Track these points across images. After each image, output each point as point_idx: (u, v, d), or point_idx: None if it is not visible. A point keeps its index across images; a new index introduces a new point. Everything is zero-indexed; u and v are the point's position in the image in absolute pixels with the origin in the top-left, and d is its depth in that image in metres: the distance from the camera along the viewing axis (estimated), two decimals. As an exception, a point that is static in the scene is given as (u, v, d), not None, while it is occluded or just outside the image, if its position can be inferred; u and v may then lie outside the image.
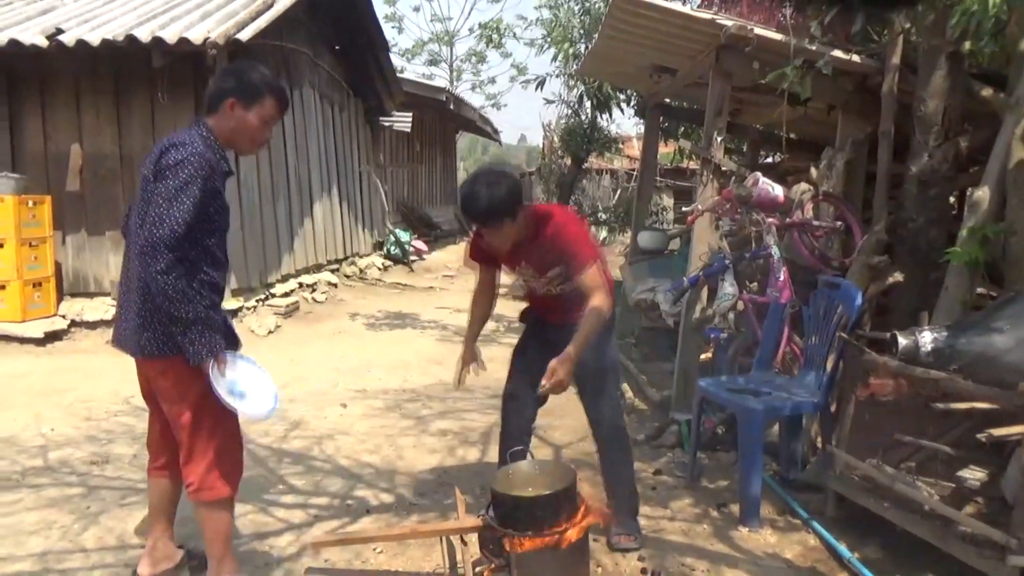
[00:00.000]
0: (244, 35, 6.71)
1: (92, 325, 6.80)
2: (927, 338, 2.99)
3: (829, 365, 3.44)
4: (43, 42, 6.58)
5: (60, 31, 6.71)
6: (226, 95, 2.44)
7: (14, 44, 6.57)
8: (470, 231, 3.06)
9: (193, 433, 2.44)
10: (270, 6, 7.46)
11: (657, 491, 3.64)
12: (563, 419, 4.45)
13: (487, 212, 2.75)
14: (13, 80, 7.16)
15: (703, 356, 4.84)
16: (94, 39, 6.51)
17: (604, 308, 2.76)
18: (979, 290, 3.77)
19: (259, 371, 2.61)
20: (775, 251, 4.21)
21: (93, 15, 7.40)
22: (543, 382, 2.68)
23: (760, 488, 3.26)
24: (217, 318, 2.42)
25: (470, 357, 3.21)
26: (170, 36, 6.42)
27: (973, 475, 2.82)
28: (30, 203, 6.68)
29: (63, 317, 6.81)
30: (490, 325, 7.82)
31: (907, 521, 2.82)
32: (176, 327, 2.30)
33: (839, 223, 4.62)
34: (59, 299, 7.02)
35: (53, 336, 6.54)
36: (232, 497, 2.54)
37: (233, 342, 2.60)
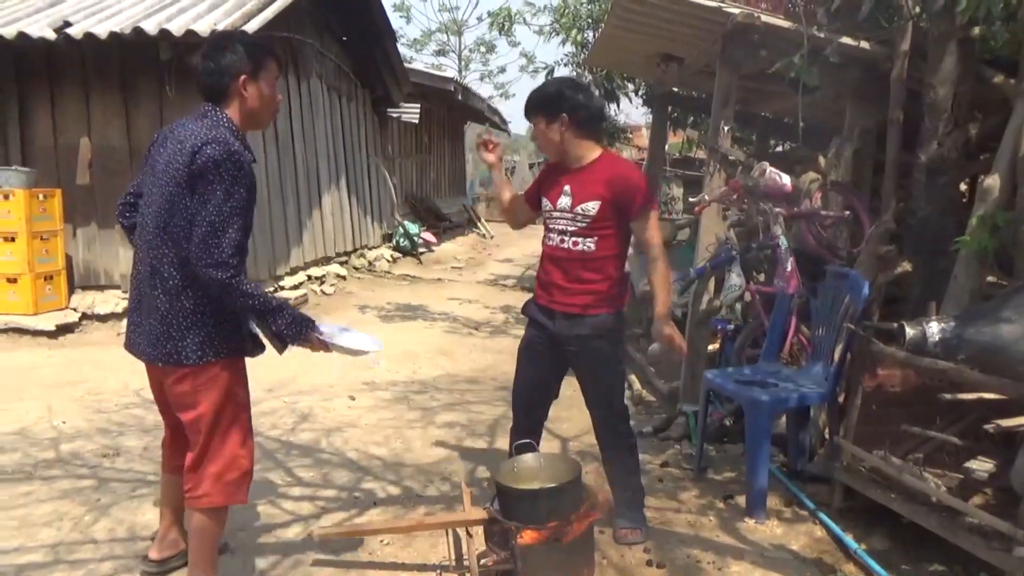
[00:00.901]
0: (251, 26, 6.70)
1: (103, 318, 6.85)
2: (935, 328, 2.97)
3: (837, 356, 3.43)
4: (51, 35, 6.60)
5: (68, 24, 6.73)
6: (232, 74, 2.35)
7: (23, 37, 6.59)
8: None
9: (205, 440, 2.41)
10: (276, -2, 7.45)
11: (664, 483, 3.64)
12: (570, 411, 4.45)
13: (528, 103, 2.92)
14: (22, 74, 7.19)
15: (710, 347, 4.83)
16: (102, 32, 6.53)
17: (666, 261, 2.89)
18: (988, 279, 3.74)
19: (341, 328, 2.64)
20: (782, 241, 4.18)
21: (101, 7, 7.41)
22: (660, 348, 2.83)
23: (767, 480, 3.25)
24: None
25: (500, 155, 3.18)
26: (177, 28, 6.42)
27: (981, 466, 2.81)
28: (40, 196, 6.72)
29: (74, 310, 6.86)
30: (500, 316, 7.89)
31: (914, 512, 2.81)
32: (265, 320, 2.36)
33: (847, 212, 4.58)
34: (70, 292, 7.07)
35: (65, 329, 6.59)
36: (227, 508, 2.51)
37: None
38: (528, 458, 2.83)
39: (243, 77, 2.37)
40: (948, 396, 2.95)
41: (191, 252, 2.23)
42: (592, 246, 2.83)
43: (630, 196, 2.80)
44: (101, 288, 7.23)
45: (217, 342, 2.37)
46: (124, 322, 6.78)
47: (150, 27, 6.45)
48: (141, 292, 2.41)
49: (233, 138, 2.32)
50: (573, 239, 2.85)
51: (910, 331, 2.97)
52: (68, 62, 7.10)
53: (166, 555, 2.72)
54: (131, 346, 2.49)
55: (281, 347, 2.45)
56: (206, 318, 2.34)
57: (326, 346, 2.47)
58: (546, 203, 2.96)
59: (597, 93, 9.56)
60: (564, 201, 2.87)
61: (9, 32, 6.61)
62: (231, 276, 2.23)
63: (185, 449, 2.50)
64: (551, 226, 2.93)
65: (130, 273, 2.51)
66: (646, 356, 2.69)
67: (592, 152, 2.89)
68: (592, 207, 2.81)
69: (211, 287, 2.26)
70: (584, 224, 2.82)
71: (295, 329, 2.40)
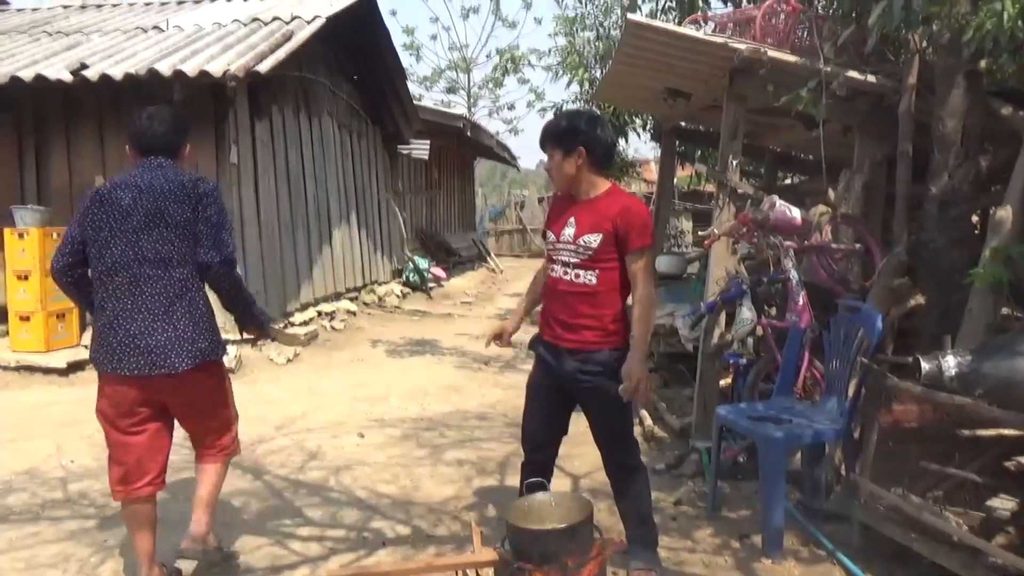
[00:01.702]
0: (263, 67, 6.81)
1: (114, 355, 6.85)
2: (951, 362, 2.93)
3: (851, 391, 3.38)
4: (68, 76, 6.73)
5: (85, 66, 6.87)
6: (184, 139, 3.01)
7: (40, 79, 6.73)
8: None
9: (228, 413, 3.04)
10: (289, 38, 7.58)
11: (677, 521, 3.57)
12: (581, 447, 4.38)
13: (544, 134, 2.93)
14: (39, 114, 7.33)
15: (722, 382, 4.77)
16: (117, 73, 6.65)
17: (651, 299, 2.83)
18: (1004, 312, 3.69)
19: None
20: (793, 275, 4.15)
21: (117, 50, 7.56)
22: (625, 387, 2.70)
23: (783, 518, 3.19)
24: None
25: (511, 327, 3.22)
26: (191, 69, 6.54)
27: (1003, 504, 2.74)
28: (55, 235, 6.77)
29: (86, 347, 6.86)
30: (509, 351, 7.81)
31: (935, 552, 2.74)
32: (249, 307, 3.06)
33: (858, 245, 4.56)
34: (82, 329, 7.09)
35: (76, 366, 6.60)
36: None
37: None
38: (539, 497, 2.78)
39: (188, 146, 3.03)
40: (967, 432, 2.89)
41: (208, 256, 2.76)
42: (594, 279, 2.81)
43: (631, 230, 2.78)
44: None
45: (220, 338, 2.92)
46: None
47: (164, 69, 6.57)
48: (155, 313, 2.70)
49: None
50: (575, 271, 2.84)
51: (926, 365, 2.93)
52: (84, 103, 7.23)
53: None
54: (151, 366, 2.70)
55: (261, 333, 3.30)
56: (214, 319, 2.88)
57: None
58: (550, 235, 2.96)
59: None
60: (567, 232, 2.86)
61: (27, 74, 6.75)
62: (234, 273, 2.90)
63: (163, 456, 2.89)
64: (554, 257, 2.93)
65: (111, 306, 2.73)
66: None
67: (601, 186, 2.90)
68: (594, 239, 2.79)
69: (224, 281, 2.87)
70: (586, 256, 2.81)
71: (265, 315, 3.22)
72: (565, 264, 2.87)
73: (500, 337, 3.23)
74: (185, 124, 3.00)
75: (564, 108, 9.71)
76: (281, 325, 7.82)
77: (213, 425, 2.97)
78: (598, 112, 2.94)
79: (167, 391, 2.79)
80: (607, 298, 2.83)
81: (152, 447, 2.84)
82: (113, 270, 2.71)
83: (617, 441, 2.97)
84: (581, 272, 2.83)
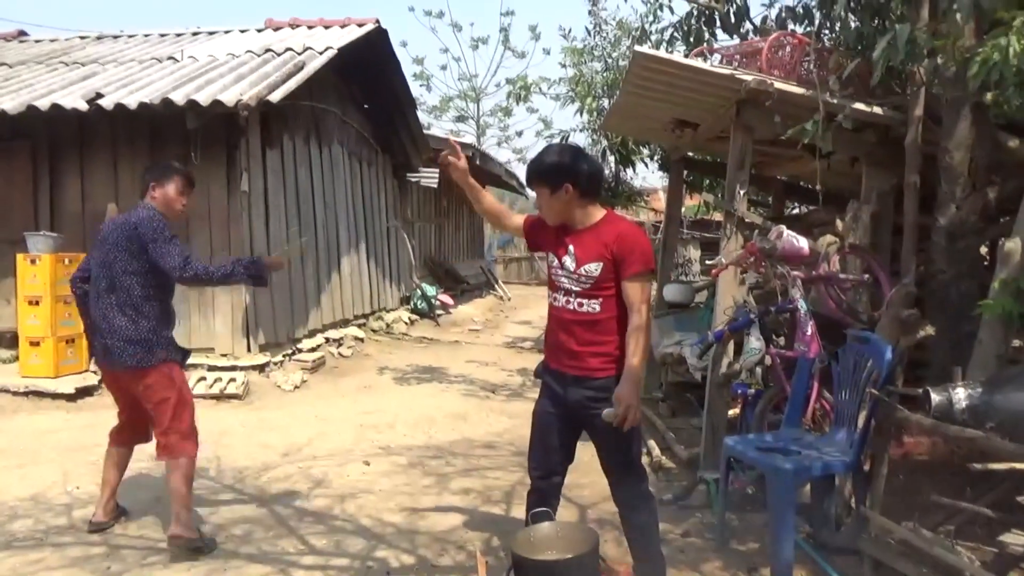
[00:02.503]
0: (275, 96, 6.91)
1: (122, 381, 6.88)
2: (961, 394, 2.91)
3: (860, 422, 3.35)
4: (83, 106, 6.84)
5: (100, 95, 6.98)
6: (145, 187, 3.65)
7: (56, 108, 6.84)
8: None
9: (169, 413, 3.57)
10: (301, 68, 7.70)
11: (686, 553, 3.53)
12: (588, 476, 4.35)
13: (529, 172, 2.92)
14: (55, 142, 7.43)
15: (731, 412, 4.74)
16: (132, 102, 6.75)
17: (647, 326, 2.80)
18: (1014, 343, 3.67)
19: None
20: (802, 305, 4.15)
21: (132, 80, 7.69)
22: (614, 413, 2.66)
23: (792, 551, 3.14)
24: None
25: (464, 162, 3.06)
26: (204, 99, 6.63)
27: (1016, 539, 2.70)
28: (66, 261, 6.84)
29: (94, 373, 6.90)
30: (517, 379, 7.85)
31: (948, 588, 2.69)
32: (231, 280, 3.74)
33: (866, 276, 4.55)
34: (90, 355, 7.12)
35: (84, 392, 6.62)
36: (193, 456, 3.65)
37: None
38: (545, 527, 2.76)
39: (152, 183, 3.63)
40: (978, 465, 2.86)
41: (166, 268, 3.50)
42: (597, 307, 2.82)
43: (626, 256, 2.78)
44: (121, 351, 7.28)
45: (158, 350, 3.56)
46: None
47: (178, 98, 6.67)
48: (106, 321, 3.52)
49: (153, 213, 3.56)
50: (578, 300, 2.84)
51: (936, 397, 2.91)
52: (98, 132, 7.34)
53: (108, 519, 3.78)
54: (108, 364, 3.61)
55: (262, 283, 3.80)
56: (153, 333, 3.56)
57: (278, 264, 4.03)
58: (552, 258, 2.95)
59: (612, 159, 9.73)
60: (568, 261, 2.86)
61: (44, 103, 6.86)
62: (192, 272, 3.50)
63: (133, 427, 3.83)
64: (556, 284, 2.92)
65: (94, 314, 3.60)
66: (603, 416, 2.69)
67: (596, 214, 2.89)
68: (595, 268, 2.80)
69: (187, 283, 3.63)
70: (588, 285, 2.82)
71: (255, 268, 3.68)
72: (568, 292, 2.87)
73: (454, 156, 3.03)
74: (153, 167, 3.76)
75: (572, 136, 9.79)
76: (288, 352, 7.83)
77: (157, 419, 3.63)
78: (577, 144, 2.94)
79: (121, 385, 3.73)
80: (611, 325, 2.82)
81: (129, 420, 3.84)
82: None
83: (625, 469, 2.95)
84: (584, 301, 2.83)
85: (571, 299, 2.85)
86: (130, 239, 3.48)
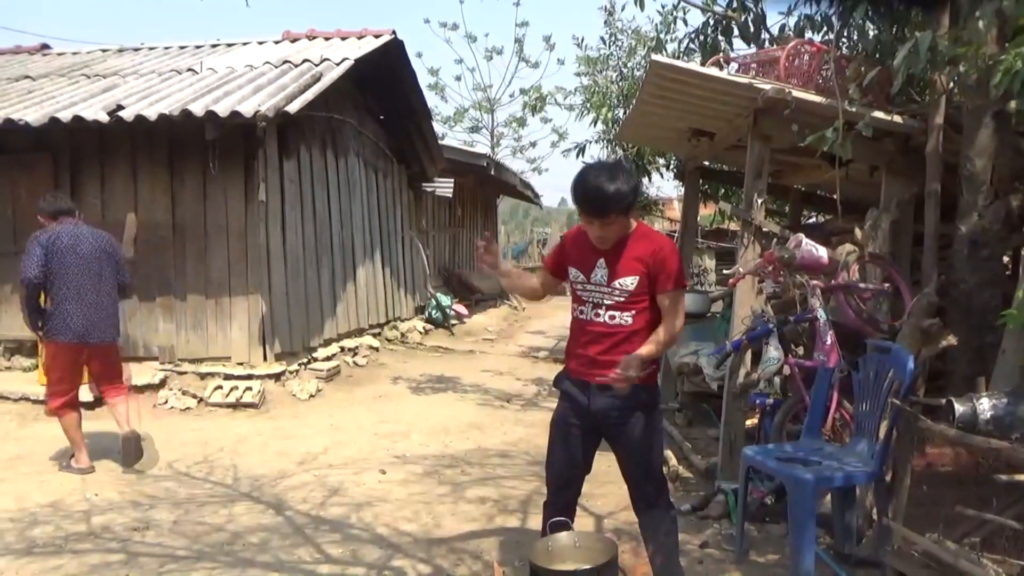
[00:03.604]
0: (292, 107, 6.95)
1: (140, 389, 6.90)
2: (986, 405, 2.87)
3: (882, 433, 3.31)
4: (104, 117, 6.91)
5: (121, 107, 7.06)
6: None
7: (77, 120, 6.92)
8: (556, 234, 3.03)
9: (120, 373, 5.26)
10: (318, 79, 7.75)
11: (704, 565, 3.49)
12: (605, 487, 4.33)
13: (594, 204, 2.73)
14: (76, 154, 7.52)
15: (749, 422, 4.70)
16: (151, 114, 6.82)
17: (679, 328, 2.87)
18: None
19: None
20: (821, 314, 4.11)
21: (152, 91, 7.77)
22: (613, 373, 2.67)
23: (813, 563, 3.10)
24: None
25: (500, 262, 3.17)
26: (223, 110, 6.69)
27: (1044, 553, 2.65)
28: (86, 270, 6.90)
29: (112, 381, 6.95)
30: (532, 388, 7.82)
31: (974, 602, 2.64)
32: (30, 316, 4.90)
33: (887, 285, 4.50)
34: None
35: (101, 401, 6.65)
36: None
37: None
38: (563, 537, 2.74)
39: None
40: (1004, 477, 2.82)
41: (124, 277, 5.22)
42: (630, 320, 2.80)
43: (661, 272, 2.79)
44: (139, 360, 7.33)
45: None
46: (160, 392, 6.87)
47: (197, 109, 6.73)
48: (100, 302, 4.94)
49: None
50: (610, 313, 2.82)
51: (960, 408, 2.87)
52: (118, 143, 7.41)
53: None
54: (98, 337, 4.93)
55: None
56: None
57: None
58: (577, 274, 2.91)
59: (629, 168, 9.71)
60: (599, 274, 2.83)
61: (66, 115, 6.95)
62: (24, 286, 4.81)
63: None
64: (584, 298, 2.89)
65: (83, 299, 4.87)
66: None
67: (627, 226, 2.87)
68: (631, 282, 2.79)
69: (127, 292, 5.40)
70: (622, 299, 2.80)
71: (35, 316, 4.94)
72: (597, 305, 2.84)
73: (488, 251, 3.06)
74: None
75: (587, 147, 9.77)
76: (304, 361, 7.87)
77: (114, 380, 5.22)
78: (616, 160, 2.87)
79: (96, 355, 5.07)
80: (641, 336, 2.81)
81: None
82: (77, 276, 4.96)
83: (646, 477, 2.93)
84: (617, 314, 2.81)
85: (601, 311, 2.83)
86: None
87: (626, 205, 2.73)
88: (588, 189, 2.73)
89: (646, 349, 2.75)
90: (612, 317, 2.81)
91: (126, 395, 5.19)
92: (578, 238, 2.98)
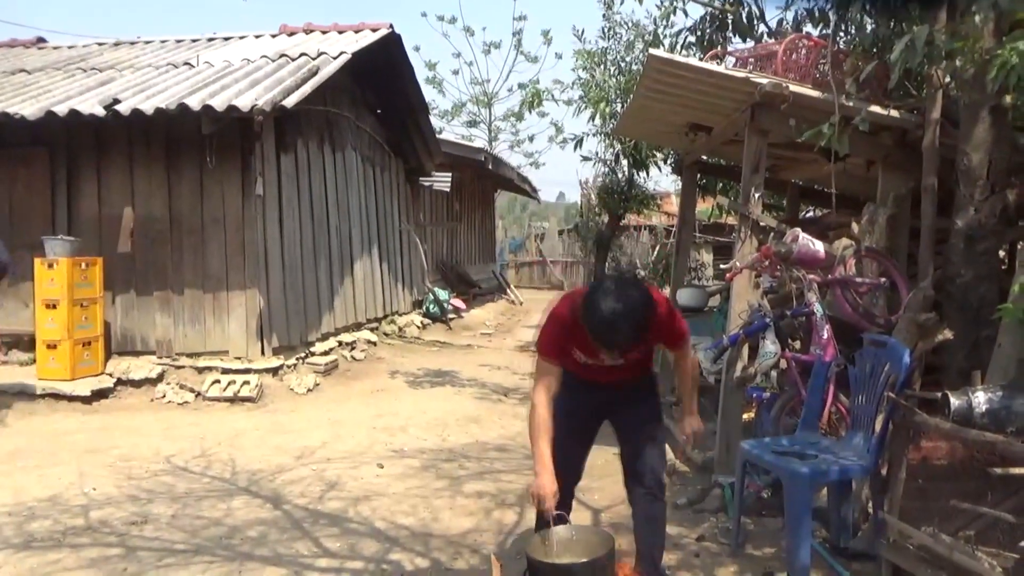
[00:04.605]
0: (289, 101, 6.94)
1: (137, 383, 6.93)
2: (981, 398, 2.87)
3: (878, 426, 3.32)
4: (100, 111, 6.89)
5: (117, 101, 7.03)
6: None
7: (74, 114, 6.90)
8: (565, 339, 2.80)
9: None
10: (315, 73, 7.73)
11: (700, 558, 3.51)
12: (601, 480, 4.35)
13: (623, 340, 2.57)
14: (72, 148, 7.50)
15: (745, 416, 4.72)
16: (148, 108, 6.80)
17: (694, 359, 3.14)
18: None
19: None
20: (818, 308, 4.12)
21: (148, 85, 7.75)
22: (685, 437, 2.99)
23: (809, 556, 3.12)
24: None
25: (553, 487, 2.66)
26: (219, 104, 6.67)
27: (1038, 545, 2.66)
28: (83, 265, 6.91)
29: (110, 375, 6.96)
30: (529, 382, 7.79)
31: (968, 594, 2.66)
32: None
33: (883, 279, 4.51)
34: (107, 357, 7.18)
35: (100, 394, 6.67)
36: None
37: None
38: (560, 531, 2.74)
39: None
40: (999, 470, 2.83)
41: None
42: (635, 361, 2.91)
43: (666, 337, 2.92)
44: (137, 354, 7.34)
45: None
46: (157, 386, 6.91)
47: (194, 103, 6.71)
48: None
49: None
50: (620, 372, 2.88)
51: (955, 401, 2.88)
52: (115, 137, 7.40)
53: None
54: None
55: None
56: None
57: None
58: (582, 357, 2.81)
59: (625, 163, 9.70)
60: (608, 357, 2.72)
61: (62, 109, 6.93)
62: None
63: None
64: (592, 366, 2.84)
65: None
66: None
67: None
68: (640, 351, 2.85)
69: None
70: (632, 360, 2.86)
71: None
72: (609, 370, 2.85)
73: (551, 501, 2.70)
74: None
75: (584, 141, 9.74)
76: (301, 355, 7.87)
77: None
78: (638, 282, 2.68)
79: None
80: (648, 362, 3.05)
81: None
82: None
83: (653, 455, 2.95)
84: (627, 368, 2.88)
85: (613, 370, 2.86)
86: None
87: (647, 330, 2.61)
88: (614, 338, 2.55)
89: (689, 410, 3.02)
90: (620, 366, 2.82)
91: None
92: (577, 332, 2.71)
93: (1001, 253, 4.68)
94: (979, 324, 3.90)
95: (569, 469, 2.99)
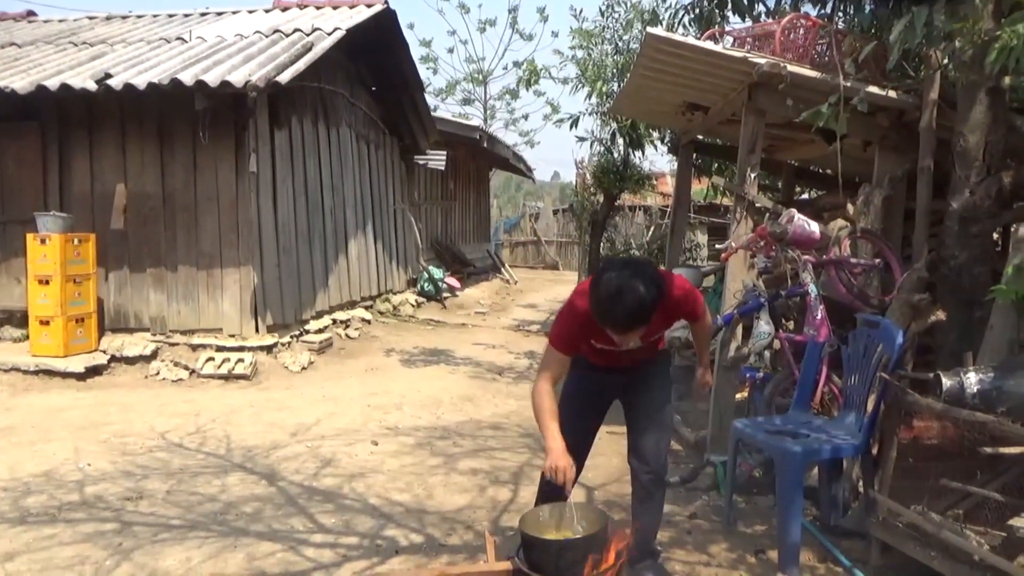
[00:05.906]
0: (283, 77, 6.88)
1: (131, 360, 6.92)
2: (973, 379, 2.90)
3: (870, 406, 3.35)
4: (92, 86, 6.82)
5: (109, 75, 6.96)
6: None
7: (65, 88, 6.83)
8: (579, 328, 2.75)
9: None
10: (309, 49, 7.66)
11: (692, 535, 3.54)
12: (596, 459, 4.37)
13: (626, 325, 2.54)
14: (64, 123, 7.43)
15: (738, 395, 4.74)
16: (140, 83, 6.74)
17: (710, 324, 3.22)
18: (1026, 329, 3.64)
19: None
20: (812, 289, 4.13)
21: (140, 60, 7.67)
22: (700, 386, 3.28)
23: (800, 534, 3.15)
24: None
25: (568, 463, 2.63)
26: (212, 79, 6.61)
27: (1025, 524, 2.70)
28: (75, 241, 6.87)
29: (103, 352, 6.95)
30: (524, 361, 7.87)
31: (955, 571, 2.70)
32: None
33: (878, 260, 4.53)
34: (100, 334, 7.16)
35: (93, 371, 6.67)
36: None
37: None
38: (554, 507, 2.77)
39: None
40: (988, 450, 2.86)
41: None
42: (651, 347, 2.96)
43: (690, 314, 2.99)
44: (131, 331, 7.33)
45: None
46: (151, 364, 6.91)
47: (187, 78, 6.64)
48: None
49: None
50: (633, 354, 2.88)
51: (947, 382, 2.90)
52: (107, 112, 7.33)
53: None
54: None
55: None
56: None
57: None
58: (596, 344, 2.80)
59: (622, 142, 9.66)
60: (630, 341, 2.68)
61: (53, 83, 6.85)
62: None
63: None
64: (607, 351, 2.83)
65: None
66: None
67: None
68: (661, 331, 2.95)
69: None
70: (646, 343, 2.85)
71: None
72: (629, 352, 2.83)
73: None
74: None
75: (580, 120, 9.69)
76: (296, 333, 7.87)
77: None
78: (638, 262, 2.61)
79: None
80: (661, 343, 3.09)
81: None
82: None
83: (661, 437, 3.00)
84: (639, 348, 2.83)
85: (632, 351, 2.84)
86: None
87: (653, 312, 2.56)
88: (621, 318, 2.51)
89: (702, 358, 3.30)
90: (638, 345, 2.77)
91: None
92: (592, 323, 2.66)
93: (995, 235, 4.69)
94: (972, 306, 3.92)
95: (578, 448, 3.00)
